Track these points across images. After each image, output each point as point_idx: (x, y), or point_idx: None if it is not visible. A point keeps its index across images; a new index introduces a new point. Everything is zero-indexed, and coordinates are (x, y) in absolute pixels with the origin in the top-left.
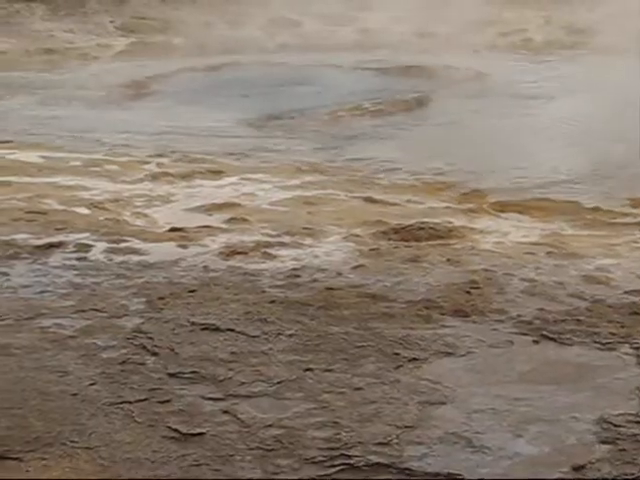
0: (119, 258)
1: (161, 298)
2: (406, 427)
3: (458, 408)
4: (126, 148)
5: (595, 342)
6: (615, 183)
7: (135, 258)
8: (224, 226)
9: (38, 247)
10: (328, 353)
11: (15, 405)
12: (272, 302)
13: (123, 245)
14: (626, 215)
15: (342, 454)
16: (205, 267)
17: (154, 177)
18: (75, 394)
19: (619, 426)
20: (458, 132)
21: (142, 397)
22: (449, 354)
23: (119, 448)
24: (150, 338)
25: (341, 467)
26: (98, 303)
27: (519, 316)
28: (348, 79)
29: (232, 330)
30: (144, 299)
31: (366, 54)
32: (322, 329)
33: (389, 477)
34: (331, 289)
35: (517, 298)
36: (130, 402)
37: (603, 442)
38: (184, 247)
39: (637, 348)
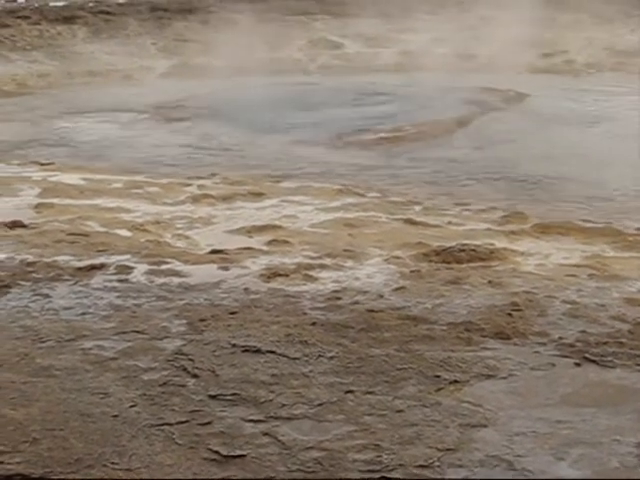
0: (160, 280)
1: (202, 320)
2: (447, 450)
3: (499, 431)
4: (168, 169)
5: (637, 365)
6: None
7: (176, 280)
8: (265, 248)
9: (80, 269)
10: (369, 375)
11: (56, 426)
12: (313, 324)
13: (164, 267)
14: None
15: (383, 477)
16: (246, 289)
17: (195, 199)
18: (116, 416)
19: None
20: (497, 154)
21: (183, 419)
22: (490, 376)
23: (159, 470)
24: (191, 360)
25: None
26: (139, 325)
27: (561, 338)
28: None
29: (273, 352)
30: (185, 321)
31: (405, 76)
32: (363, 351)
33: None
34: (372, 311)
35: (559, 320)
36: (171, 424)
37: None
38: (225, 269)
39: None
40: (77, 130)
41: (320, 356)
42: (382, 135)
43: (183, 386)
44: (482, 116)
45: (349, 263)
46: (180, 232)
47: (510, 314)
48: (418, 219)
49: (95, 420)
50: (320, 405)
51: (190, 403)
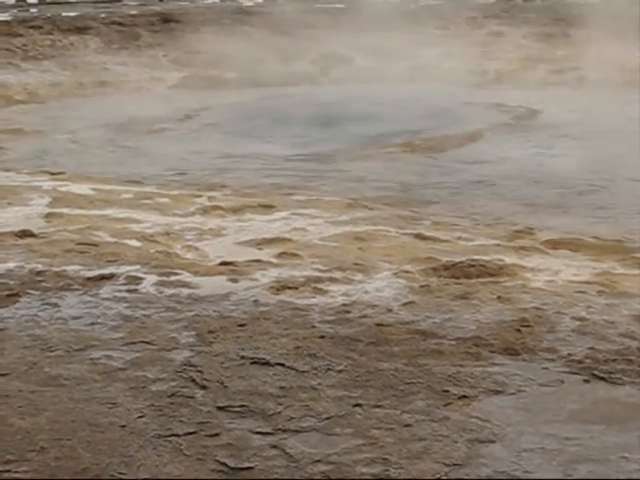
0: (169, 291)
1: (211, 332)
2: (455, 465)
3: (507, 447)
4: (178, 180)
5: None
6: None
7: (185, 291)
8: (274, 260)
9: (89, 279)
10: (377, 389)
11: (64, 436)
12: (322, 337)
13: (173, 278)
14: None
15: None
16: (255, 301)
17: (205, 210)
18: (124, 426)
19: None
20: (507, 170)
21: (191, 430)
22: (499, 392)
23: None
24: (199, 371)
25: None
26: (148, 335)
27: (569, 355)
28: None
29: (282, 365)
30: (194, 332)
31: (416, 89)
32: (372, 365)
33: None
34: (381, 325)
35: (568, 337)
36: (179, 435)
37: None
38: (234, 281)
39: None
40: (87, 139)
41: (329, 369)
42: (392, 149)
43: (191, 397)
44: (494, 132)
45: (358, 277)
46: (190, 243)
47: (519, 330)
48: (428, 234)
49: (103, 430)
50: (328, 418)
51: (198, 414)
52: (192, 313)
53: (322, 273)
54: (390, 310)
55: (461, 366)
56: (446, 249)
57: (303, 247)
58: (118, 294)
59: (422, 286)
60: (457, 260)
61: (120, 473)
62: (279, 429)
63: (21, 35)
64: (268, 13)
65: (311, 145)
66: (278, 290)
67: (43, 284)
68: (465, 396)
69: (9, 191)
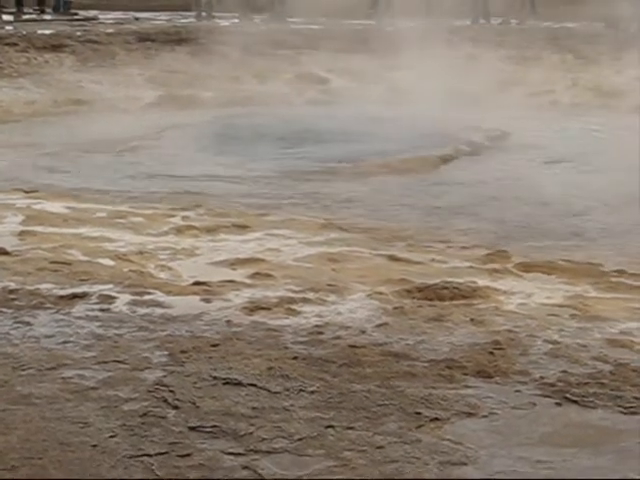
0: (142, 310)
1: (183, 352)
2: None
3: (479, 469)
4: (151, 200)
5: (618, 406)
6: None
7: (158, 311)
8: (248, 281)
9: (62, 297)
10: (350, 411)
11: (35, 455)
12: (295, 358)
13: (147, 297)
14: None
15: None
16: (228, 321)
17: (179, 230)
18: (95, 445)
19: None
20: (481, 192)
21: (162, 450)
22: (471, 415)
23: None
24: (172, 391)
25: None
26: (120, 355)
27: (542, 378)
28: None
29: (254, 385)
30: (166, 352)
31: (391, 110)
32: (344, 387)
33: None
34: (354, 347)
35: (540, 360)
36: (150, 455)
37: None
38: (207, 301)
39: None
40: (60, 157)
41: (301, 390)
42: (366, 170)
43: (163, 417)
44: (467, 154)
45: (332, 298)
46: (163, 263)
47: (492, 352)
48: (401, 255)
49: (74, 449)
50: (300, 439)
51: (170, 434)
52: (165, 333)
53: (295, 294)
54: (363, 332)
55: (434, 388)
56: (420, 271)
57: (277, 268)
58: (91, 313)
59: (395, 308)
60: (431, 282)
61: None
62: (251, 450)
63: None
64: (244, 33)
65: (285, 165)
66: (251, 311)
67: (16, 302)
68: (437, 418)
69: None
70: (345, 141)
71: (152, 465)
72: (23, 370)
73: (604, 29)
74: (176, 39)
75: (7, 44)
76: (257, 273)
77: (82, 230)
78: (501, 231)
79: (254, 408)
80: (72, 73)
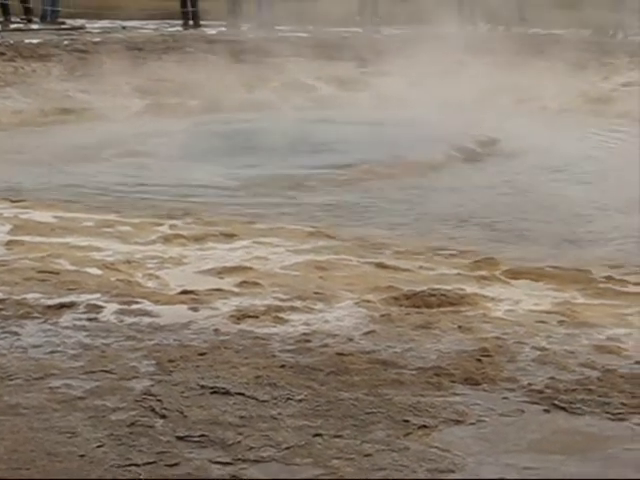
0: (130, 320)
1: (171, 361)
2: None
3: (467, 476)
4: (138, 209)
5: (606, 412)
6: None
7: (146, 320)
8: (235, 289)
9: (49, 307)
10: (337, 419)
11: (23, 465)
12: (282, 367)
13: (134, 307)
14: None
15: None
16: (216, 330)
17: (166, 239)
18: (83, 455)
19: None
20: (470, 199)
21: (150, 460)
22: (459, 422)
23: None
24: (159, 401)
25: None
26: (108, 364)
27: (530, 385)
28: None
29: (242, 394)
30: (154, 361)
31: (378, 117)
32: (332, 395)
33: None
34: (342, 354)
35: (528, 367)
36: (138, 465)
37: None
38: (195, 310)
39: None
40: (47, 166)
41: (289, 399)
42: (353, 177)
43: (151, 427)
44: (456, 161)
45: (319, 306)
46: (151, 272)
47: (480, 360)
48: (389, 262)
49: (62, 459)
50: (288, 448)
51: (158, 444)
52: (152, 342)
53: (283, 302)
54: (351, 339)
55: (422, 396)
56: (407, 278)
57: (264, 276)
58: (78, 322)
59: (383, 315)
60: (418, 289)
61: None
62: (239, 459)
63: None
64: (231, 41)
65: (273, 172)
66: (239, 319)
67: (3, 312)
68: (425, 426)
69: None
70: (333, 149)
71: (140, 475)
72: (10, 380)
73: (592, 36)
74: (163, 48)
75: None
76: (245, 281)
77: (69, 239)
78: (490, 237)
79: (242, 417)
80: (59, 82)
